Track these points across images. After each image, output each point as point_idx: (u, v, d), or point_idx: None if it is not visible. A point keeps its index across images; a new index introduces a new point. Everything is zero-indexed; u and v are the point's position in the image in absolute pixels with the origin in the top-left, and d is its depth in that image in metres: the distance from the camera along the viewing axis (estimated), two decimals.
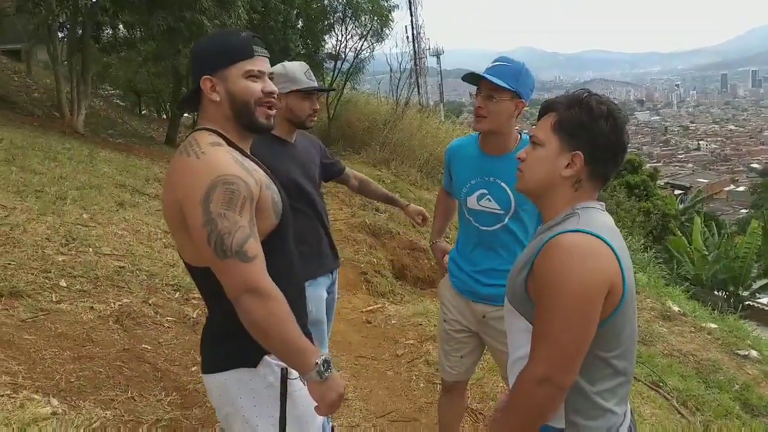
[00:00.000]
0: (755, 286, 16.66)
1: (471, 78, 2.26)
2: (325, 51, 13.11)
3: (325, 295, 2.58)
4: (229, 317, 1.47)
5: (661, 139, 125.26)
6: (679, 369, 5.58)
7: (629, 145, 1.46)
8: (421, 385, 3.65)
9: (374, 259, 5.09)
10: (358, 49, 12.93)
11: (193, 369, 3.11)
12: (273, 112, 1.62)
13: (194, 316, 3.75)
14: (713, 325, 7.27)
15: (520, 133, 2.35)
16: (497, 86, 2.16)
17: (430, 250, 2.78)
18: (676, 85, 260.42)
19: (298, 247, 2.38)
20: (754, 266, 16.59)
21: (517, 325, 1.46)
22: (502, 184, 2.27)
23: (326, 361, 1.48)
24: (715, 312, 9.17)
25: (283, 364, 1.56)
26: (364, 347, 4.16)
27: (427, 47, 35.99)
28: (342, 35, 12.80)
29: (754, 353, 6.85)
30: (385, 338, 4.24)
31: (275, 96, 1.61)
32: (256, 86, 1.57)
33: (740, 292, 16.34)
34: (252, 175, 1.49)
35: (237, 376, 1.57)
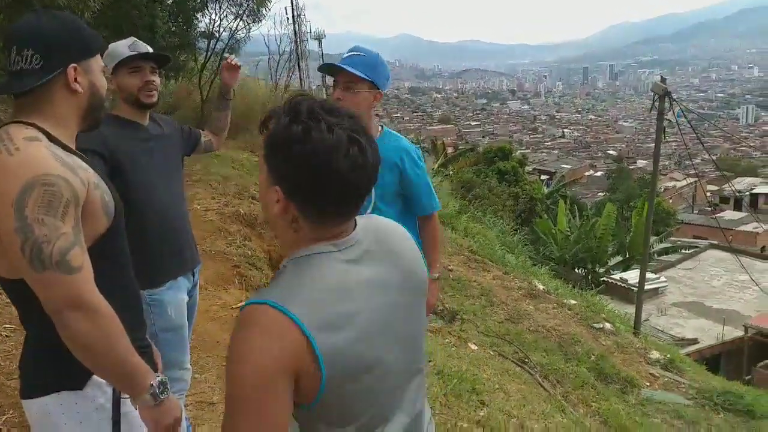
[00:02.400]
0: (610, 263, 18.32)
1: (327, 69, 2.21)
2: (198, 30, 12.42)
3: (186, 298, 2.36)
4: (49, 334, 1.30)
5: (530, 127, 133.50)
6: (543, 344, 5.99)
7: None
8: None
9: (249, 251, 4.87)
10: (233, 28, 12.36)
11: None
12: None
13: None
14: (573, 301, 7.89)
15: (382, 126, 2.33)
16: (356, 77, 2.12)
17: None
18: (544, 77, 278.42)
19: (157, 246, 2.14)
20: (609, 245, 18.22)
21: None
22: None
23: (162, 383, 1.37)
24: (576, 289, 9.98)
25: None
26: None
27: (308, 30, 35.45)
28: (216, 14, 12.17)
29: (608, 326, 7.52)
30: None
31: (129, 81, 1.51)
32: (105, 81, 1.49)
33: (597, 270, 17.88)
34: (77, 174, 1.33)
35: (60, 400, 1.40)
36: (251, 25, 12.69)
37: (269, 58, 13.98)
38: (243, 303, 1.10)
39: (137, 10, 9.67)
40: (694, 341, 14.14)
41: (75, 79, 1.40)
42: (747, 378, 12.04)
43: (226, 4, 12.33)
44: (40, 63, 1.37)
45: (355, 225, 1.17)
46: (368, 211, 2.26)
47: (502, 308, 6.79)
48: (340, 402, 1.06)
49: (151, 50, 2.21)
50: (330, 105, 1.08)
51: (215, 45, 12.10)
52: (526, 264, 10.41)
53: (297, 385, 1.02)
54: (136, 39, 2.21)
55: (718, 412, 5.77)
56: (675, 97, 11.40)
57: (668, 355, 7.36)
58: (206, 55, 12.03)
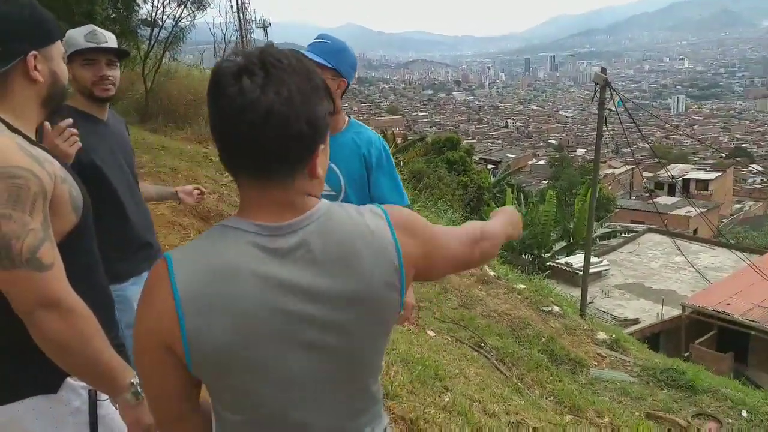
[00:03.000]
0: (555, 248, 18.86)
1: None
2: (140, 17, 11.97)
3: None
4: (18, 336, 1.23)
5: (476, 118, 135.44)
6: (496, 328, 6.13)
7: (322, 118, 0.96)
8: None
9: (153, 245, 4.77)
10: (177, 16, 12.00)
11: None
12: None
13: None
14: (523, 286, 8.10)
15: (349, 116, 2.29)
16: (320, 65, 2.07)
17: None
18: (487, 68, 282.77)
19: (125, 243, 2.07)
20: (553, 231, 18.75)
21: None
22: (333, 165, 2.16)
23: None
24: (524, 274, 10.24)
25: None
26: None
27: (253, 19, 34.79)
28: (159, 1, 11.78)
29: (556, 309, 7.76)
30: None
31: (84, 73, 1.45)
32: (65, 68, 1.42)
33: (543, 255, 18.38)
34: (44, 167, 1.25)
35: (33, 405, 1.32)
36: (196, 13, 12.38)
37: (215, 47, 13.67)
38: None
39: None
40: (636, 321, 14.75)
41: (35, 68, 1.32)
42: (686, 355, 12.66)
43: None
44: (5, 48, 1.30)
45: (301, 214, 1.01)
46: (341, 196, 2.23)
47: (455, 294, 6.90)
48: (219, 389, 1.00)
49: (109, 42, 2.11)
50: (251, 63, 0.91)
51: (158, 33, 11.73)
52: None
53: (174, 352, 0.96)
54: (95, 27, 2.10)
55: (662, 388, 6.01)
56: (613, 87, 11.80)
57: (613, 336, 7.62)
58: (149, 43, 11.64)
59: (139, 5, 11.75)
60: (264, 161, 0.94)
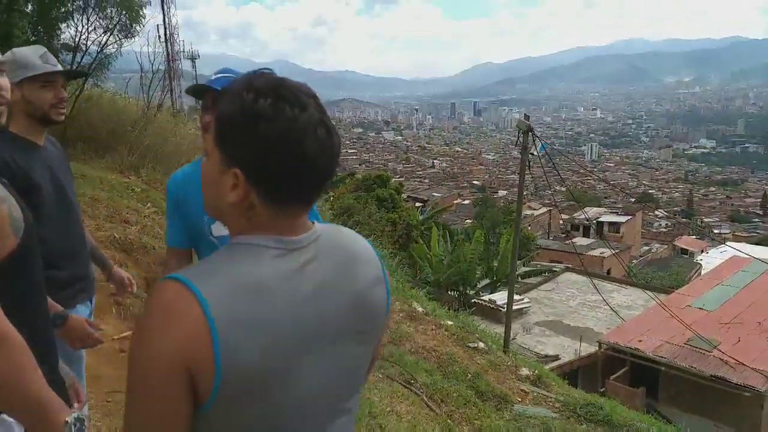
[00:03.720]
0: (480, 285, 19.29)
1: (195, 91, 2.09)
2: (61, 41, 11.52)
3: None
4: None
5: (403, 157, 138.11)
6: (424, 365, 6.14)
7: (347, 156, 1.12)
8: None
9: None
10: (102, 43, 11.63)
11: None
12: (2, 108, 1.34)
13: None
14: (450, 322, 8.19)
15: None
16: None
17: None
18: (415, 110, 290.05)
19: (57, 271, 1.96)
20: (478, 269, 19.21)
21: None
22: None
23: (79, 419, 1.21)
24: (450, 310, 10.38)
25: None
26: (118, 381, 3.49)
27: (182, 50, 34.30)
28: (83, 26, 11.38)
29: (481, 345, 7.88)
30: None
31: (5, 92, 1.32)
32: None
33: (468, 292, 18.75)
34: None
35: None
36: (122, 41, 12.04)
37: (141, 76, 13.27)
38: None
39: None
40: (556, 357, 15.18)
41: None
42: (602, 390, 13.10)
43: (95, 16, 11.61)
44: None
45: (312, 226, 1.06)
46: None
47: (383, 331, 6.88)
48: (233, 419, 0.94)
49: (59, 66, 2.05)
50: (293, 83, 0.99)
51: (81, 59, 11.29)
52: (405, 287, 10.67)
53: (193, 379, 0.90)
54: (45, 49, 2.03)
55: (582, 423, 6.18)
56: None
57: (536, 372, 7.78)
58: (71, 68, 11.18)
59: (61, 29, 11.35)
60: (320, 191, 1.03)
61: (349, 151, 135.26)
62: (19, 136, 1.97)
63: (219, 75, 2.06)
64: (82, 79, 11.49)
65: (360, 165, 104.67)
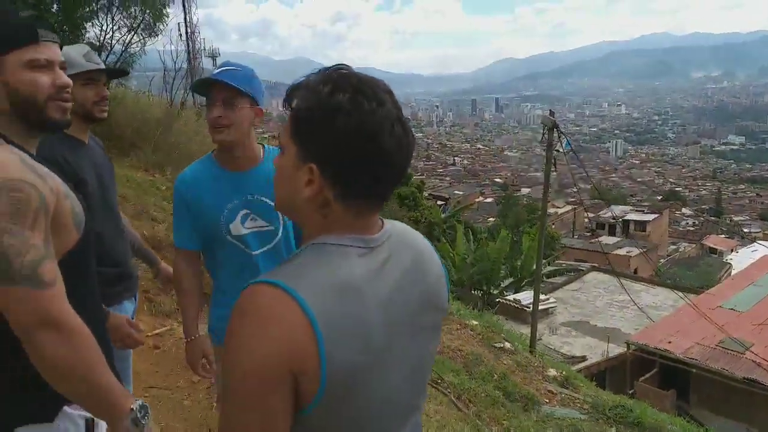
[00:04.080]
0: (503, 284, 19.11)
1: (201, 85, 2.06)
2: (86, 40, 11.65)
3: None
4: (13, 361, 1.19)
5: (424, 155, 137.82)
6: (450, 365, 6.06)
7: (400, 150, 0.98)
8: None
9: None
10: (126, 42, 11.74)
11: None
12: (69, 105, 1.33)
13: None
14: (475, 322, 8.08)
15: (263, 144, 2.17)
16: (236, 91, 1.95)
17: (186, 352, 2.18)
18: (435, 107, 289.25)
19: (103, 268, 2.00)
20: (502, 268, 19.03)
21: None
22: (265, 199, 2.06)
23: (143, 407, 1.25)
24: (475, 310, 10.27)
25: (88, 415, 1.29)
26: (155, 376, 3.64)
27: (202, 48, 34.67)
28: (108, 25, 11.50)
29: (507, 345, 7.76)
30: (178, 364, 3.71)
31: (69, 89, 1.32)
32: (44, 79, 1.29)
33: (492, 291, 18.59)
34: (46, 182, 1.20)
35: None
36: (146, 39, 12.14)
37: (164, 74, 13.40)
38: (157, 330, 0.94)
39: None
40: (583, 358, 14.97)
41: None
42: (630, 391, 12.89)
43: (119, 15, 11.72)
44: None
45: (382, 224, 1.06)
46: (279, 229, 2.13)
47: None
48: (331, 419, 0.94)
49: (102, 65, 2.08)
50: (370, 78, 0.98)
51: (106, 58, 11.41)
52: None
53: (295, 383, 0.89)
54: (89, 48, 2.07)
55: (611, 425, 6.04)
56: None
57: (563, 373, 7.65)
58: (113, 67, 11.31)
59: (86, 29, 11.48)
60: (394, 188, 1.03)
61: None
62: (67, 133, 1.98)
63: (222, 68, 2.01)
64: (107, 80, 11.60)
65: None
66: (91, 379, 1.18)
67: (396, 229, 1.09)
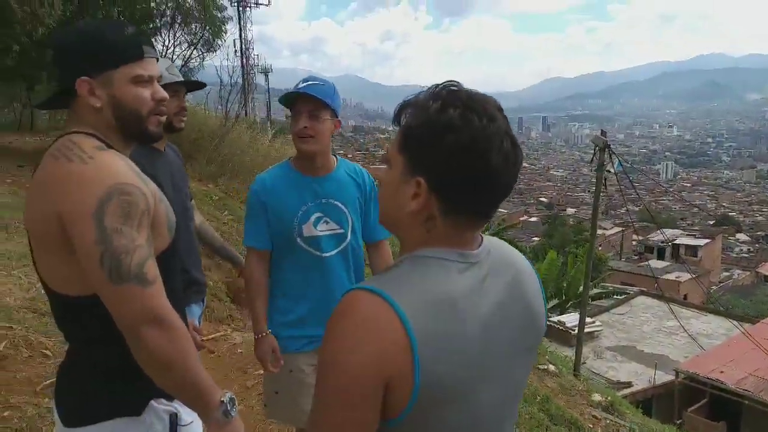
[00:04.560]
0: (548, 306, 18.78)
1: (287, 98, 2.18)
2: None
3: (198, 324, 2.30)
4: (108, 356, 1.27)
5: None
6: None
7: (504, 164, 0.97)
8: None
9: (210, 282, 4.69)
10: (186, 56, 12.23)
11: (5, 413, 2.58)
12: (163, 119, 1.43)
13: (1, 348, 3.12)
14: None
15: (335, 155, 2.30)
16: (321, 104, 2.11)
17: (255, 347, 2.26)
18: None
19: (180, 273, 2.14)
20: (548, 289, 18.71)
21: None
22: (338, 203, 2.21)
23: (232, 399, 1.32)
24: None
25: (172, 410, 1.36)
26: None
27: (256, 63, 35.59)
28: (170, 41, 12.02)
29: (552, 367, 7.64)
30: (233, 369, 3.84)
31: (165, 103, 1.41)
32: (147, 93, 1.36)
33: None
34: (148, 186, 1.29)
35: (114, 428, 1.32)
36: (205, 54, 12.63)
37: (221, 89, 13.87)
38: (212, 335, 1.00)
39: None
40: (629, 384, 14.54)
41: (92, 93, 1.31)
42: (678, 422, 12.46)
43: (181, 32, 12.24)
44: (59, 78, 1.34)
45: (482, 240, 1.06)
46: (348, 231, 2.24)
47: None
48: (425, 426, 0.94)
49: (182, 78, 2.22)
50: (481, 94, 0.99)
51: None
52: None
53: (386, 392, 0.90)
54: (171, 62, 2.22)
55: None
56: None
57: (609, 398, 7.48)
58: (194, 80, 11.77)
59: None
60: (499, 204, 1.02)
61: None
62: None
63: (308, 83, 2.13)
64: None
65: None
66: (188, 372, 1.24)
67: (495, 245, 1.09)
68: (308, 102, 2.10)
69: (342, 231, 2.22)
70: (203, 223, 2.60)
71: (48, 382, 2.95)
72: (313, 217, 2.18)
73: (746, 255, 60.30)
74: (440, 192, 0.96)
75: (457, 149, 0.93)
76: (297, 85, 2.14)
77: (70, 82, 1.31)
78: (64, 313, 1.37)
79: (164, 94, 1.40)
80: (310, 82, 2.13)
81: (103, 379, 1.33)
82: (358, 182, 2.29)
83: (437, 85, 1.01)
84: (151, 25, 12.12)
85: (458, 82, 1.01)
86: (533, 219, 68.06)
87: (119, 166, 1.25)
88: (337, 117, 2.18)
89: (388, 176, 1.04)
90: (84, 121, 1.34)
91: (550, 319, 18.05)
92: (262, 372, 3.86)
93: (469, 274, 0.99)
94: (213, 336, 4.35)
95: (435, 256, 0.98)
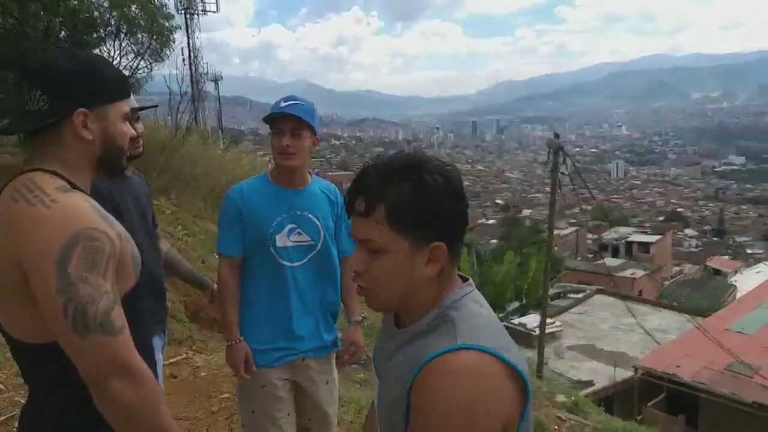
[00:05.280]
0: (509, 308, 18.97)
1: (269, 118, 2.26)
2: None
3: (161, 357, 2.23)
4: (72, 405, 1.23)
5: None
6: None
7: None
8: None
9: (168, 303, 4.50)
10: (133, 67, 11.83)
11: None
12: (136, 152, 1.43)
13: None
14: None
15: (309, 172, 2.42)
16: (303, 123, 2.21)
17: (227, 354, 2.28)
18: (436, 128, 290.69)
19: (146, 305, 2.01)
20: (508, 291, 18.91)
21: None
22: (311, 216, 2.31)
23: None
24: None
25: None
26: (173, 406, 3.60)
27: (205, 71, 34.90)
28: (115, 51, 11.60)
29: None
30: (197, 393, 3.73)
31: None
32: (131, 130, 1.38)
33: (498, 315, 18.44)
34: (113, 226, 1.25)
35: None
36: (153, 65, 12.24)
37: (170, 99, 13.50)
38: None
39: (29, 44, 8.99)
40: (590, 383, 14.79)
41: (85, 126, 1.29)
42: (639, 417, 12.69)
43: (126, 41, 11.83)
44: (47, 105, 1.27)
45: None
46: (318, 243, 2.32)
47: None
48: None
49: (136, 103, 2.13)
50: (423, 156, 1.11)
51: None
52: None
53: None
54: None
55: None
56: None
57: (572, 398, 7.55)
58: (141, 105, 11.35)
59: None
60: None
61: None
62: None
63: (290, 102, 2.22)
64: None
65: None
66: (157, 424, 1.21)
67: None
68: (290, 121, 2.21)
69: (313, 242, 2.31)
70: (170, 250, 2.54)
71: (2, 418, 2.85)
72: (286, 228, 2.27)
73: (695, 250, 62.56)
74: (453, 246, 1.08)
75: (454, 207, 1.07)
76: (278, 103, 2.23)
77: (64, 112, 1.26)
78: (24, 360, 1.32)
79: (135, 131, 1.42)
80: (291, 102, 2.22)
81: (70, 428, 1.28)
82: (331, 198, 2.39)
83: (391, 162, 1.09)
84: (95, 35, 11.67)
85: (399, 152, 1.14)
86: (491, 222, 68.90)
87: (83, 210, 1.21)
88: (315, 134, 2.29)
89: (390, 261, 1.07)
90: (55, 154, 1.29)
91: (511, 321, 18.24)
92: (227, 395, 3.74)
93: (478, 293, 1.15)
94: (174, 360, 4.16)
95: (463, 294, 1.11)
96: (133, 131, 1.41)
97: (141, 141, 2.14)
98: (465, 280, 1.16)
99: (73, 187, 1.27)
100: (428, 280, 1.08)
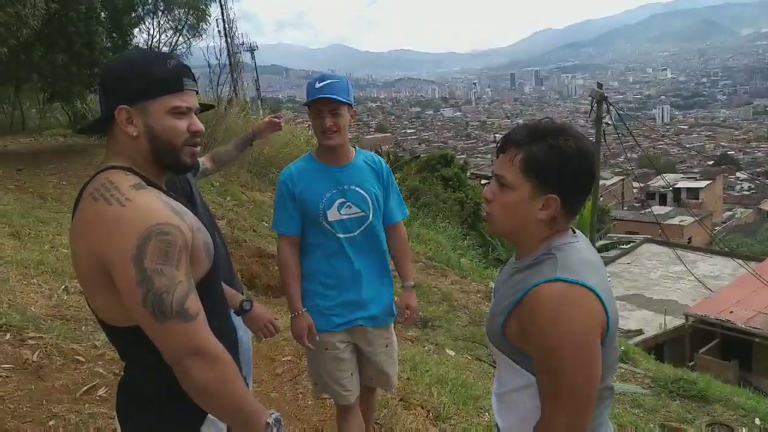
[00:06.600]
0: None
1: (313, 102, 2.33)
2: (135, 45, 12.04)
3: (244, 336, 2.39)
4: (160, 376, 1.33)
5: (464, 134, 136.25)
6: None
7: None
8: (310, 402, 3.42)
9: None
10: (173, 44, 12.09)
11: (51, 423, 2.65)
12: (198, 149, 1.45)
13: (35, 359, 3.17)
14: None
15: (353, 145, 2.51)
16: (341, 103, 2.31)
17: (292, 325, 2.44)
18: (473, 84, 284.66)
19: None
20: None
21: (504, 360, 1.45)
22: (358, 189, 2.41)
23: (277, 420, 1.39)
24: None
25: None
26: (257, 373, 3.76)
27: (241, 42, 34.97)
28: (154, 29, 11.87)
29: None
30: (260, 357, 3.86)
31: (200, 134, 1.43)
32: (183, 125, 1.38)
33: None
34: (185, 220, 1.33)
35: None
36: (191, 40, 12.47)
37: (209, 72, 13.75)
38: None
39: (74, 27, 9.29)
40: (640, 332, 14.73)
41: (130, 122, 1.35)
42: (690, 364, 12.64)
43: (164, 19, 12.07)
44: (102, 105, 1.39)
45: None
46: (369, 214, 2.43)
47: (464, 312, 6.87)
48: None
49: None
50: (566, 124, 1.39)
51: None
52: (480, 267, 10.62)
53: None
54: None
55: (674, 399, 5.93)
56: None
57: (622, 347, 7.58)
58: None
59: (134, 34, 11.84)
60: None
61: (408, 131, 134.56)
62: None
63: (325, 83, 2.30)
64: None
65: (419, 144, 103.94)
66: (233, 398, 1.31)
67: None
68: (328, 103, 2.29)
69: (363, 214, 2.42)
70: (208, 158, 2.73)
71: (85, 388, 3.03)
72: (336, 203, 2.38)
73: (747, 193, 60.36)
74: (566, 202, 1.35)
75: (580, 171, 1.33)
76: (313, 84, 2.32)
77: (111, 109, 1.35)
78: (118, 342, 1.45)
79: (200, 126, 1.42)
80: (326, 82, 2.30)
81: (159, 398, 1.40)
82: (375, 170, 2.49)
83: (540, 123, 1.39)
84: (134, 15, 11.94)
85: (550, 118, 1.47)
86: None
87: (156, 206, 1.29)
88: (353, 107, 2.38)
89: (513, 197, 1.37)
90: (121, 150, 1.38)
91: None
92: (288, 358, 3.95)
93: (585, 245, 1.42)
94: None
95: (569, 242, 1.39)
96: (193, 125, 1.40)
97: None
98: (575, 233, 1.43)
99: (148, 182, 1.35)
100: (539, 222, 1.36)
